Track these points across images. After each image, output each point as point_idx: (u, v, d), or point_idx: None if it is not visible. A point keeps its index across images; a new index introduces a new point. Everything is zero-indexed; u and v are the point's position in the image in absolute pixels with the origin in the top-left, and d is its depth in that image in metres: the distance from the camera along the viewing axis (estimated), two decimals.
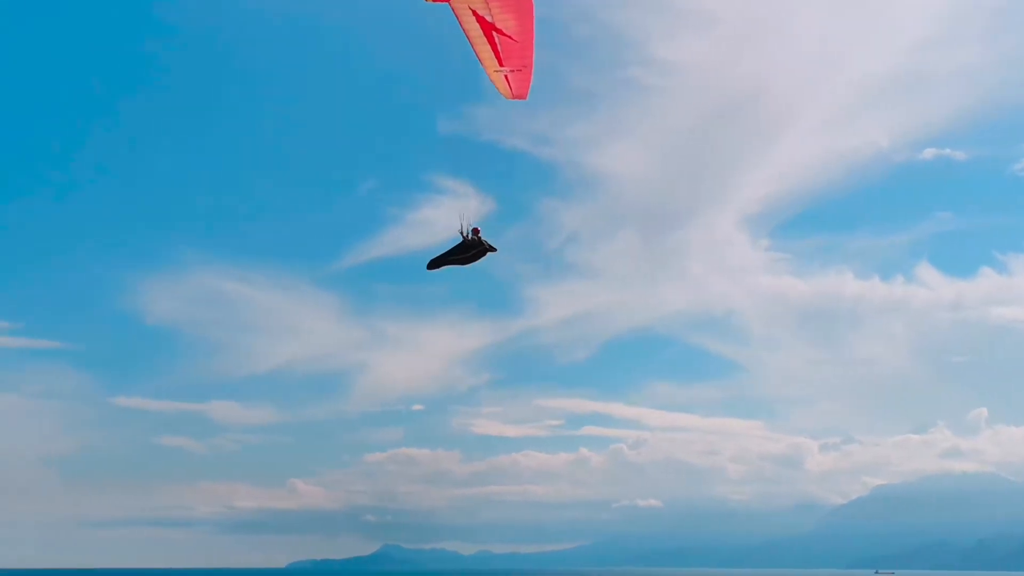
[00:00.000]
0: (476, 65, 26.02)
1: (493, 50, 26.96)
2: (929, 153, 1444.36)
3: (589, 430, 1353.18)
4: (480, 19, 27.05)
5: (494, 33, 27.42)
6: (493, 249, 25.02)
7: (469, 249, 24.68)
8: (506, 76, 27.16)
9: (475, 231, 25.12)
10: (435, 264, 25.36)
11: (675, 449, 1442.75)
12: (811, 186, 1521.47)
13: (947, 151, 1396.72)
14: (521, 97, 27.57)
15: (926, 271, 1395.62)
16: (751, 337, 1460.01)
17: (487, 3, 26.14)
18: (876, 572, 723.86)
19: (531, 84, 27.28)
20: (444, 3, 25.87)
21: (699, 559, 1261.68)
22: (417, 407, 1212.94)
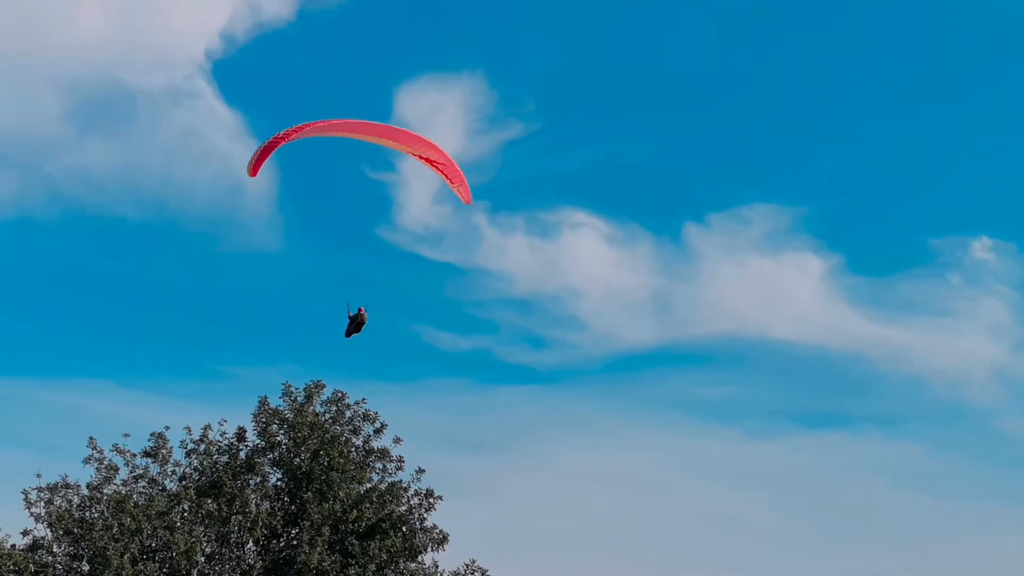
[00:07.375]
0: None
1: (442, 174, 33.83)
2: None
3: None
4: (420, 158, 34.18)
5: (433, 164, 34.48)
6: (365, 320, 30.91)
7: (354, 322, 30.94)
8: (457, 189, 33.64)
9: (360, 309, 30.98)
10: (348, 334, 31.03)
11: None
12: None
13: None
14: (468, 202, 34.08)
15: None
16: None
17: (412, 148, 33.72)
18: None
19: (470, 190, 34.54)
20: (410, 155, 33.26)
21: None
22: None
